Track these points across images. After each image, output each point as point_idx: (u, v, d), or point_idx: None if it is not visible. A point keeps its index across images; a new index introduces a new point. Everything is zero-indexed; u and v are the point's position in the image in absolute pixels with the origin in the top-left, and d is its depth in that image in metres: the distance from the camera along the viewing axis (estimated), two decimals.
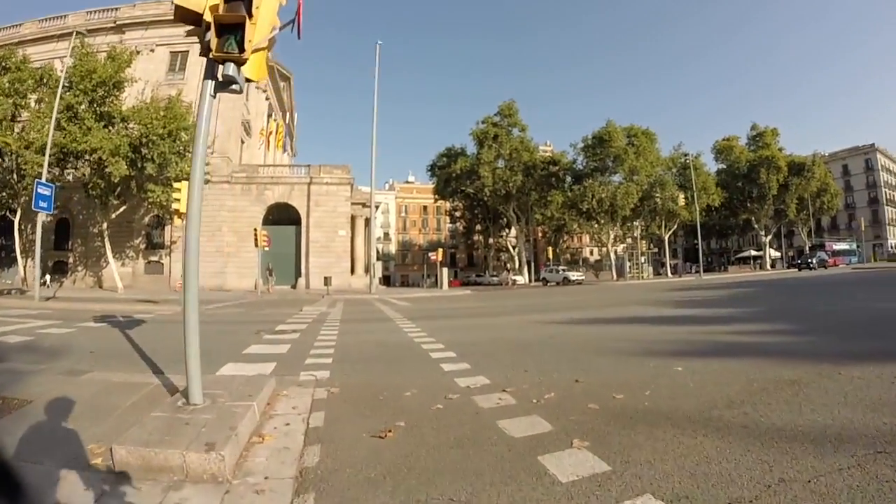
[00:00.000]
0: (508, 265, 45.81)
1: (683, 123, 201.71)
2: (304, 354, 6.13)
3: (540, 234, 53.90)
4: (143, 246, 31.91)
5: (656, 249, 45.24)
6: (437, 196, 50.05)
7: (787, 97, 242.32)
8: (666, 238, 45.00)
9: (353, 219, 33.05)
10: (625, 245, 45.22)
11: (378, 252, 45.62)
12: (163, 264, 31.63)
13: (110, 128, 23.92)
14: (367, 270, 30.78)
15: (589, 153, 40.17)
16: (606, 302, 15.15)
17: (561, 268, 39.24)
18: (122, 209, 27.03)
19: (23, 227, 32.10)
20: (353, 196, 32.84)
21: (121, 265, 30.23)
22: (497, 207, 43.87)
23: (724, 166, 51.56)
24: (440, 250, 33.59)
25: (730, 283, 25.44)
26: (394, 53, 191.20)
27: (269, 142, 38.42)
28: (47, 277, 30.33)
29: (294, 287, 30.66)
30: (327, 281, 26.48)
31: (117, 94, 24.52)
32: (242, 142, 36.14)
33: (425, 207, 78.25)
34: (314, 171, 32.25)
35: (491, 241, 51.58)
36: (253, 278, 25.72)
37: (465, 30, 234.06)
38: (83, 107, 23.81)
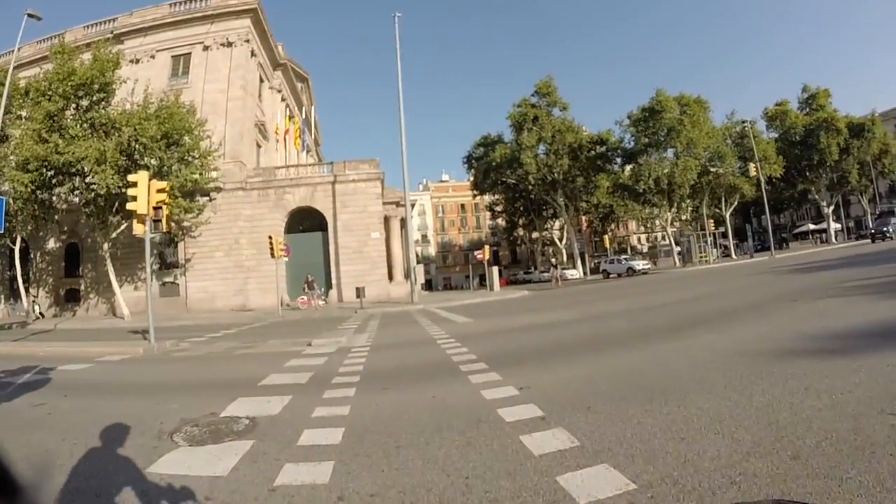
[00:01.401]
0: (554, 259, 41.78)
1: (717, 90, 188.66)
2: None
3: (585, 224, 49.63)
4: (155, 266, 28.73)
5: (722, 230, 40.87)
6: (475, 191, 46.18)
7: (833, 54, 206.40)
8: (728, 216, 40.63)
9: (386, 220, 29.48)
10: (674, 229, 41.01)
11: (418, 255, 42.07)
12: (178, 285, 28.64)
13: (101, 136, 20.87)
14: (406, 276, 27.21)
15: (640, 128, 35.97)
16: (747, 300, 10.46)
17: (623, 257, 35.28)
18: (122, 227, 23.46)
19: (31, 255, 29.71)
20: (384, 195, 29.30)
21: (133, 289, 27.38)
22: (542, 197, 39.90)
23: (778, 134, 47.08)
24: (486, 248, 29.82)
25: (826, 261, 19.26)
26: (417, 38, 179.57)
27: (285, 142, 34.99)
28: (36, 308, 27.62)
29: (325, 301, 27.21)
30: (360, 292, 22.52)
31: (106, 98, 21.61)
32: (259, 146, 32.75)
33: (463, 205, 76.25)
34: (338, 168, 28.71)
35: (535, 234, 47.30)
36: (277, 294, 22.20)
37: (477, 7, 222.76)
38: (68, 115, 21.02)
